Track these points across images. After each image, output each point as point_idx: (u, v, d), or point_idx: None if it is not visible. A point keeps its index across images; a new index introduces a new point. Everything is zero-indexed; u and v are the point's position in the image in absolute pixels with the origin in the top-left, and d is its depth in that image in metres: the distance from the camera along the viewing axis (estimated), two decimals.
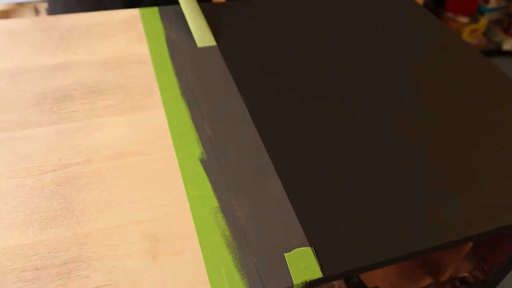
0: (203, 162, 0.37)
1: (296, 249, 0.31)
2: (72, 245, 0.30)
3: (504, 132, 0.44)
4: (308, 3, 0.61)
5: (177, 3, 0.60)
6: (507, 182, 0.38)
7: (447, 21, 2.05)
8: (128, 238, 0.31)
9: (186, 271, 0.30)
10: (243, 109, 0.43)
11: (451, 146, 0.42)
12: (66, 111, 0.41)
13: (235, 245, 0.32)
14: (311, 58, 0.51)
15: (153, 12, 0.56)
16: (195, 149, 0.38)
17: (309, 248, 0.32)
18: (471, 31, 2.02)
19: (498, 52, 2.08)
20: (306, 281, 0.30)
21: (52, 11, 0.70)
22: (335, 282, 0.56)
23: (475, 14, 2.05)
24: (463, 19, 2.02)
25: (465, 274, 0.50)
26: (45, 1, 1.39)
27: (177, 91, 0.44)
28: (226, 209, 0.34)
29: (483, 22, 2.04)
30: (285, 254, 0.31)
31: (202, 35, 0.52)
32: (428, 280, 0.53)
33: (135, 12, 0.56)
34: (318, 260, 0.31)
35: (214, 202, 0.34)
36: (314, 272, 0.30)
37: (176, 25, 0.54)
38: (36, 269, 0.29)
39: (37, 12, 1.42)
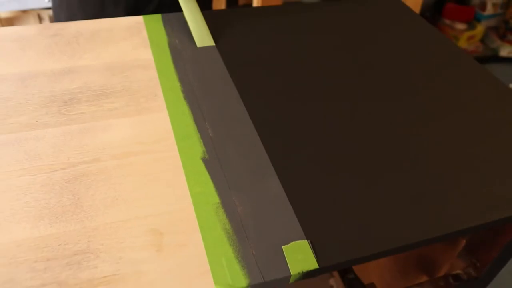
0: (205, 161, 0.39)
1: (294, 242, 0.33)
2: (81, 238, 0.32)
3: (503, 133, 0.45)
4: (308, 8, 0.63)
5: (178, 11, 0.62)
6: (506, 183, 0.40)
7: (445, 28, 2.07)
8: (134, 231, 0.33)
9: (189, 262, 0.31)
10: (243, 110, 0.45)
11: (449, 146, 0.43)
12: (74, 113, 0.43)
13: (236, 239, 0.33)
14: (310, 59, 0.53)
15: (156, 19, 0.58)
16: (197, 149, 0.40)
17: (306, 241, 0.33)
18: (468, 37, 2.05)
19: (495, 58, 2.10)
20: (302, 272, 0.31)
21: (56, 18, 0.73)
22: (332, 281, 0.58)
23: (472, 21, 2.08)
24: (460, 26, 2.05)
25: (459, 271, 0.52)
26: (48, 9, 1.42)
27: (180, 95, 0.46)
28: (227, 205, 0.36)
29: (480, 29, 2.07)
30: (283, 246, 0.33)
31: (201, 35, 0.54)
32: (423, 277, 0.54)
33: (138, 19, 0.58)
34: (314, 252, 0.33)
35: (215, 199, 0.36)
36: (311, 263, 0.32)
37: (178, 31, 0.56)
38: (48, 260, 0.31)
39: (40, 19, 1.44)
